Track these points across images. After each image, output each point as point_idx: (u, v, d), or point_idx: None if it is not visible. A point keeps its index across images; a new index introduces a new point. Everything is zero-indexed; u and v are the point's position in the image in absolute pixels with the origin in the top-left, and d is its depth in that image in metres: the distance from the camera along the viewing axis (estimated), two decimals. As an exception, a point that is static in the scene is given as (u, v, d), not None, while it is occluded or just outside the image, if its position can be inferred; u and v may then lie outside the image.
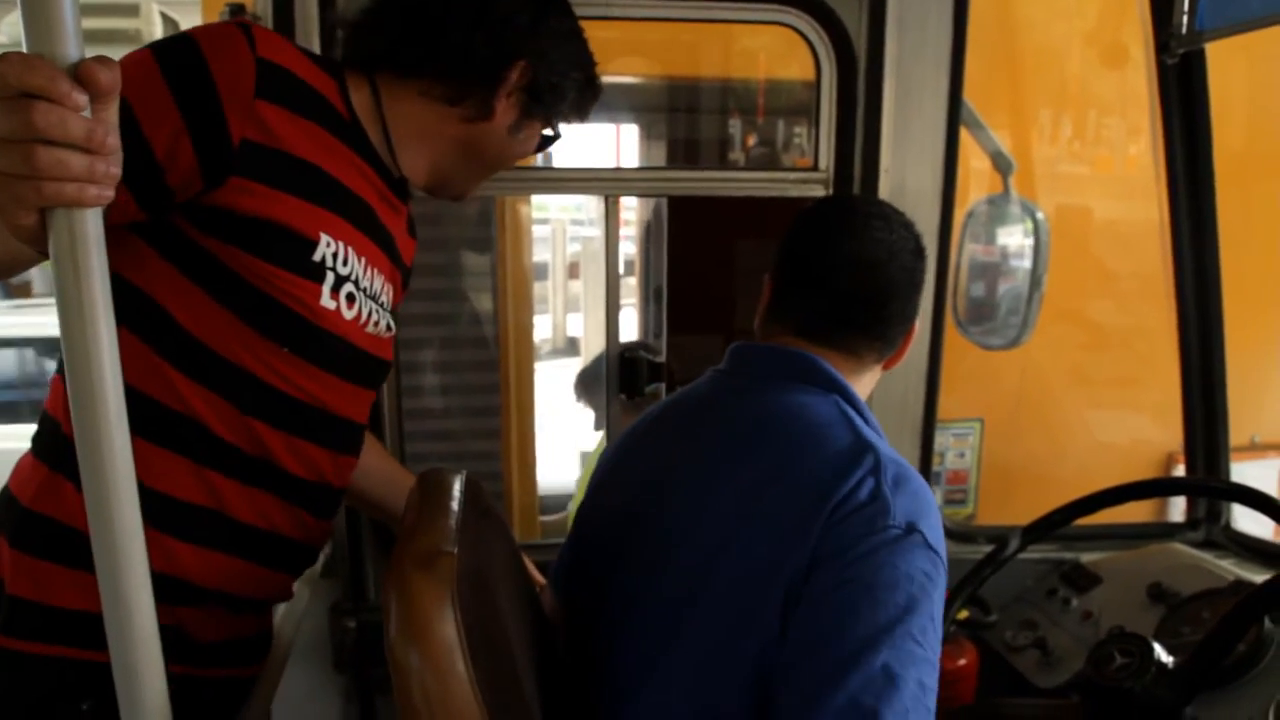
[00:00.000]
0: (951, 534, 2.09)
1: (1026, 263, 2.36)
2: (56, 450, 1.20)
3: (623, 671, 1.18)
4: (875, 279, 1.30)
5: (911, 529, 1.07)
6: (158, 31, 7.39)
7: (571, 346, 11.63)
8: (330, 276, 1.21)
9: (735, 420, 1.24)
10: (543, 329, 11.99)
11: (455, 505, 1.20)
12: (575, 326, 11.84)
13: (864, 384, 1.33)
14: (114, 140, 0.81)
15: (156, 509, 1.17)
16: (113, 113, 0.82)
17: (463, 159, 1.38)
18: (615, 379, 1.95)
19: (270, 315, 1.18)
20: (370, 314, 1.30)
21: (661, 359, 1.98)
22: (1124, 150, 3.44)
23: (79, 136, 0.78)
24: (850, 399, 1.25)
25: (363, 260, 1.27)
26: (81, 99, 0.78)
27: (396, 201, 1.35)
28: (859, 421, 1.21)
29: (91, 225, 0.81)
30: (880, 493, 1.09)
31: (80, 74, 0.78)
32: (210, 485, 1.22)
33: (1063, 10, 3.14)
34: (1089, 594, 1.90)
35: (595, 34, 1.54)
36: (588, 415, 3.44)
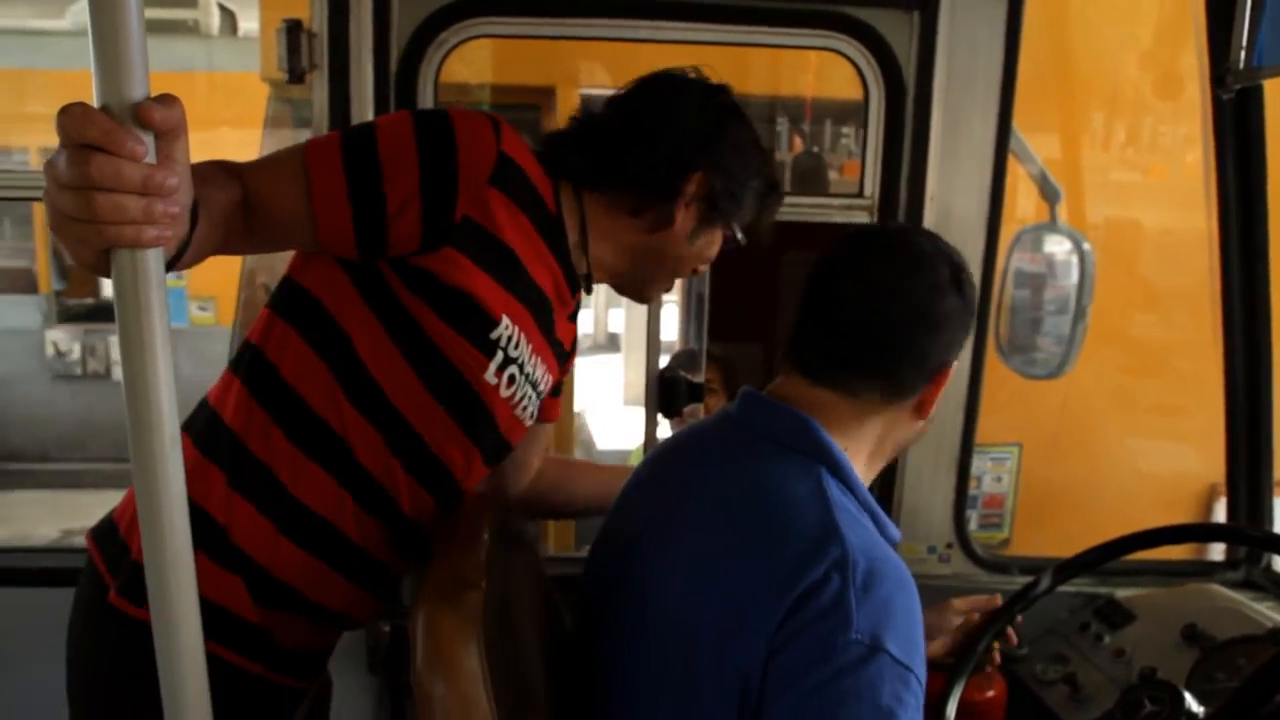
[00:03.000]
0: (984, 563, 2.09)
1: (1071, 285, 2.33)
2: (213, 438, 1.31)
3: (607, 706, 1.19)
4: (876, 309, 1.23)
5: (876, 646, 1.02)
6: (214, 22, 7.48)
7: (612, 343, 11.66)
8: (500, 355, 1.30)
9: (714, 487, 1.22)
10: (584, 325, 12.03)
11: (486, 534, 1.22)
12: (616, 321, 11.87)
13: (869, 429, 1.26)
14: (174, 180, 0.84)
15: (289, 513, 1.30)
16: (179, 149, 0.86)
17: (645, 263, 1.45)
18: (655, 398, 1.96)
19: (439, 373, 1.28)
20: (523, 398, 1.38)
21: (700, 379, 1.99)
22: (1177, 164, 3.39)
23: (135, 184, 0.81)
24: (837, 469, 1.20)
25: (530, 347, 1.35)
26: (140, 147, 0.81)
27: (568, 296, 1.43)
28: (837, 500, 1.15)
29: (153, 263, 0.84)
30: (844, 597, 1.04)
31: (139, 114, 0.81)
32: (342, 504, 1.31)
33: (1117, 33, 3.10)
34: (1122, 631, 1.88)
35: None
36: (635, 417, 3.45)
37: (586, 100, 3.47)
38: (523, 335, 1.33)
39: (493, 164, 1.25)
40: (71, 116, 0.79)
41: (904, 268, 1.24)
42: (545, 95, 3.38)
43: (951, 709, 1.58)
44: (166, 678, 0.92)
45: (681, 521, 1.21)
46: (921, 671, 1.07)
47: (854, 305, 1.24)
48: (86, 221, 0.82)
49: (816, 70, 3.81)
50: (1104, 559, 1.64)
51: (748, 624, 1.06)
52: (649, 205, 1.38)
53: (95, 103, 0.80)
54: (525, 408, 1.40)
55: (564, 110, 3.34)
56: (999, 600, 1.63)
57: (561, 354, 1.49)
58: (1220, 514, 2.91)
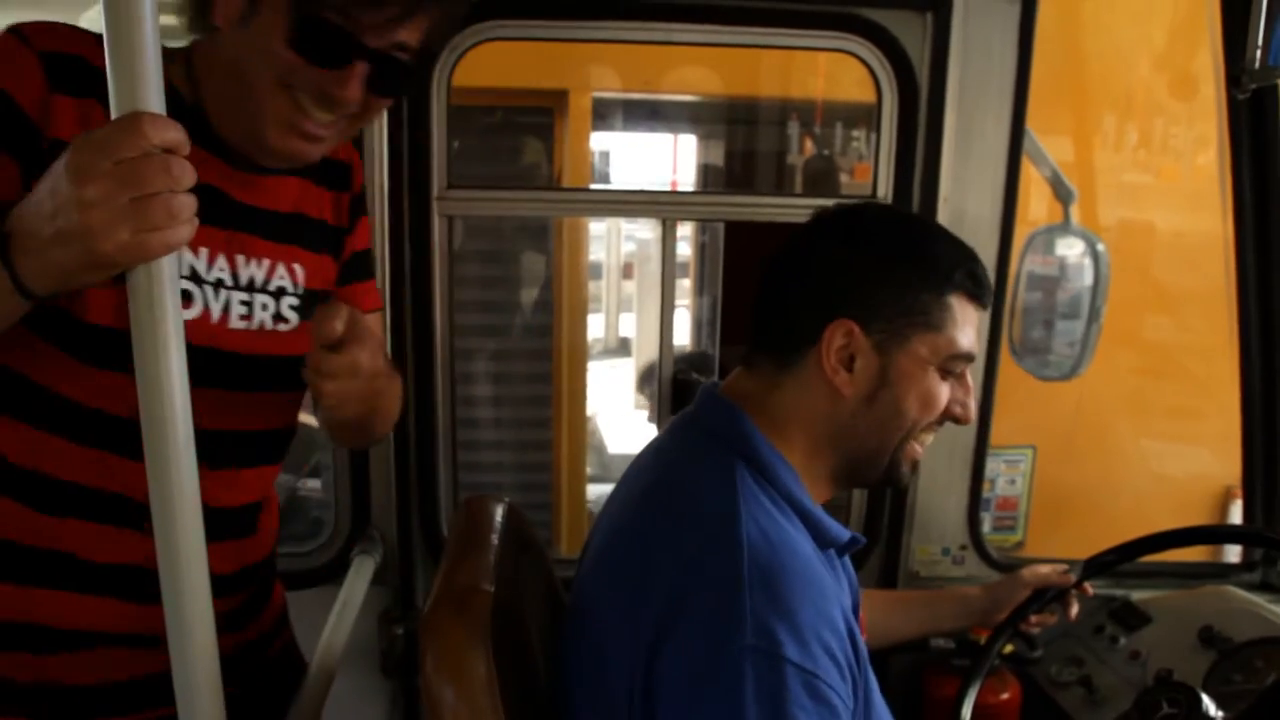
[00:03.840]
0: (998, 565, 2.08)
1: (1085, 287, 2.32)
2: None
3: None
4: (766, 278, 1.20)
5: (772, 652, 0.95)
6: (228, 27, 7.49)
7: (623, 347, 11.65)
8: None
9: (640, 480, 1.21)
10: (595, 328, 12.04)
11: (495, 538, 1.22)
12: (628, 326, 11.87)
13: (784, 411, 1.17)
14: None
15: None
16: None
17: (224, 82, 1.12)
18: (668, 401, 1.97)
19: (96, 341, 1.08)
20: (228, 307, 1.17)
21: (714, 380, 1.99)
22: (1191, 166, 3.38)
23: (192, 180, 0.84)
24: (754, 457, 1.13)
25: (204, 252, 1.14)
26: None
27: (244, 174, 1.18)
28: (746, 490, 1.09)
29: (166, 263, 0.84)
30: (736, 593, 0.98)
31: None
32: (53, 531, 1.13)
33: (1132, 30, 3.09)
34: (1138, 633, 1.87)
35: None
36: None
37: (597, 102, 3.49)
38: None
39: (41, 71, 1.04)
40: (143, 123, 0.80)
41: (795, 234, 1.22)
42: (558, 98, 3.39)
43: (966, 711, 1.57)
44: (179, 671, 0.92)
45: (609, 516, 1.21)
46: (829, 672, 0.98)
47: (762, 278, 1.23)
48: (139, 231, 0.82)
49: (827, 74, 3.81)
50: (1130, 556, 1.63)
51: (640, 612, 1.02)
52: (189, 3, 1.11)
53: (113, 112, 0.81)
54: (247, 315, 1.18)
55: (576, 113, 3.34)
56: (1071, 578, 1.62)
57: (299, 234, 1.24)
58: (1235, 516, 2.90)
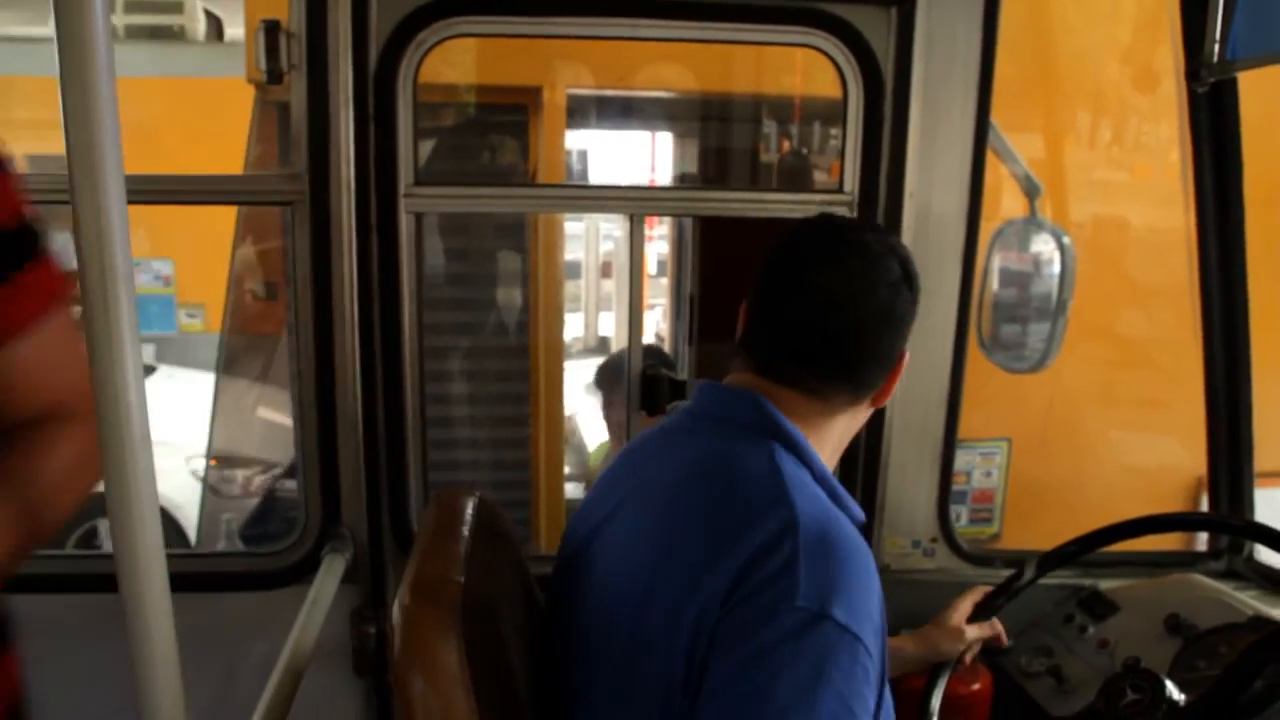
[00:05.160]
0: (969, 557, 2.09)
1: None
2: None
3: (564, 697, 1.21)
4: (842, 318, 1.24)
5: (821, 613, 1.02)
6: (200, 28, 7.44)
7: (602, 346, 11.64)
8: None
9: (671, 469, 1.24)
10: (574, 327, 12.02)
11: (466, 530, 1.22)
12: (606, 325, 11.85)
13: (836, 426, 1.29)
14: None
15: None
16: None
17: None
18: (636, 396, 1.97)
19: None
20: None
21: (683, 377, 1.99)
22: (1157, 162, 3.40)
23: None
24: (792, 444, 1.21)
25: None
26: None
27: None
28: (790, 471, 1.17)
29: (120, 260, 0.83)
30: (793, 563, 1.04)
31: None
32: None
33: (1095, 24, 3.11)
34: (1106, 622, 1.89)
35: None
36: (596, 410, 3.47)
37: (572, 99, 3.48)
38: None
39: None
40: None
41: (860, 269, 1.25)
42: (531, 95, 3.38)
43: (935, 702, 1.59)
44: (141, 676, 0.91)
45: (633, 506, 1.23)
46: (872, 641, 1.06)
47: (814, 310, 1.25)
48: None
49: (804, 71, 3.82)
50: (1088, 548, 1.65)
51: (701, 590, 1.06)
52: None
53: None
54: None
55: (550, 110, 3.33)
56: (1005, 641, 1.70)
57: None
58: (1207, 505, 2.93)
